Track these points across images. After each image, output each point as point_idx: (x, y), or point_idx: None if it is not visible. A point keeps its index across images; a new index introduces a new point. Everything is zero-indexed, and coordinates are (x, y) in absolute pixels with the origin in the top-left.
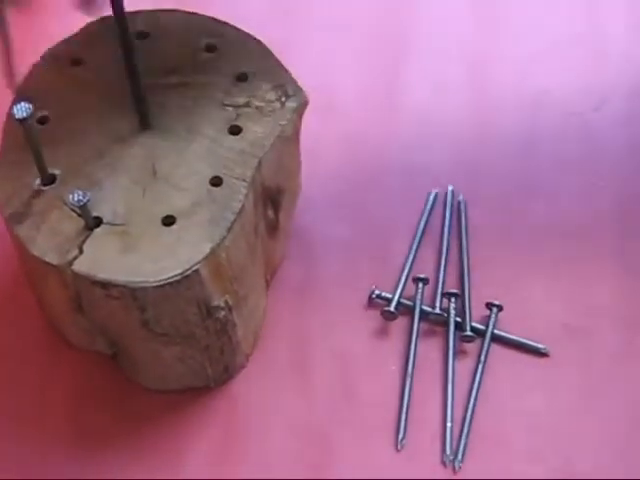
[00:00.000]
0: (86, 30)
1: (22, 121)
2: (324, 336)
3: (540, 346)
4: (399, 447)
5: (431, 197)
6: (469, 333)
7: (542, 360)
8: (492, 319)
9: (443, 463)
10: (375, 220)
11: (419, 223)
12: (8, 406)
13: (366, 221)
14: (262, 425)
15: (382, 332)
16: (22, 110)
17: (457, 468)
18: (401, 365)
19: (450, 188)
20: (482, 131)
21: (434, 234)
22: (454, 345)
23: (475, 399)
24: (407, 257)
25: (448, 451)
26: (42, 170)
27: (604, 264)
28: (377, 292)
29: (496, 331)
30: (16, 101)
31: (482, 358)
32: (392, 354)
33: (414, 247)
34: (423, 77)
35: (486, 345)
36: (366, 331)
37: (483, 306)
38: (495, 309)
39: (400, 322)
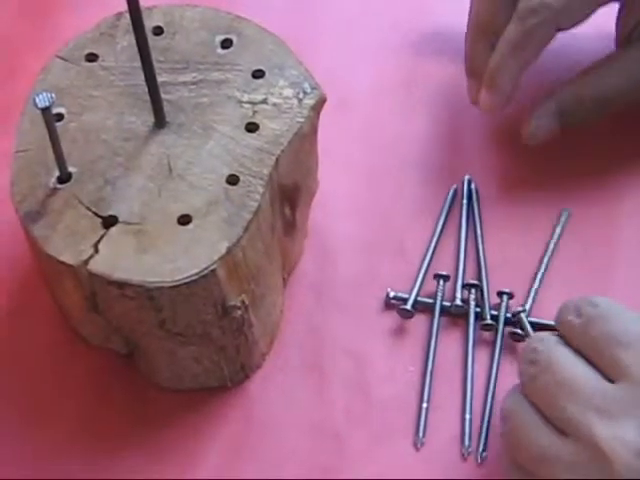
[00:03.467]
0: (101, 26)
1: (44, 110)
2: (341, 335)
3: None
4: (419, 446)
5: (450, 192)
6: (489, 321)
7: None
8: (503, 306)
9: (462, 455)
10: (393, 217)
11: (438, 219)
12: (22, 404)
13: (384, 218)
14: (278, 425)
15: (400, 330)
16: (44, 100)
17: (479, 460)
18: (420, 363)
19: (467, 177)
20: (501, 125)
21: (454, 228)
22: (474, 335)
23: (494, 388)
24: (425, 253)
25: (467, 443)
26: (61, 163)
27: (622, 251)
28: (393, 294)
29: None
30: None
31: (497, 345)
32: (410, 352)
33: (432, 243)
34: (439, 72)
35: (500, 331)
36: (383, 330)
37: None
38: (505, 297)
39: (417, 319)
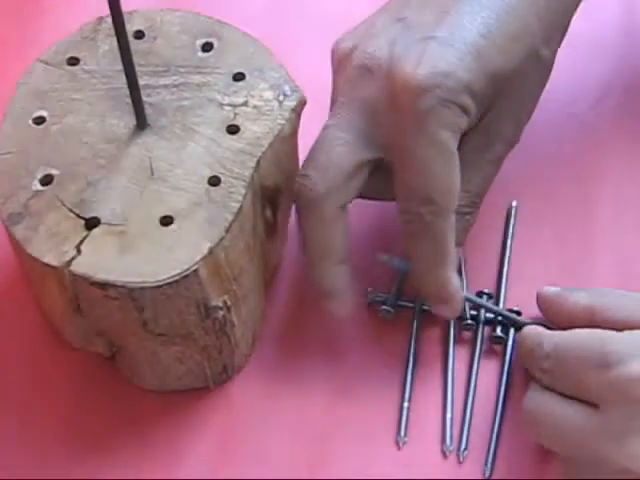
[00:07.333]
0: (83, 30)
1: None
2: (322, 336)
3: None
4: (400, 445)
5: None
6: (469, 321)
7: None
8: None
9: (443, 453)
10: (374, 220)
11: None
12: (3, 407)
13: (364, 220)
14: (261, 426)
15: (381, 331)
16: None
17: (462, 458)
18: (401, 363)
19: None
20: None
21: None
22: (455, 335)
23: (475, 388)
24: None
25: (448, 442)
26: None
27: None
28: (374, 294)
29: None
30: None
31: (477, 344)
32: (391, 352)
33: None
34: None
35: (480, 331)
36: (365, 330)
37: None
38: (485, 297)
39: (398, 320)
